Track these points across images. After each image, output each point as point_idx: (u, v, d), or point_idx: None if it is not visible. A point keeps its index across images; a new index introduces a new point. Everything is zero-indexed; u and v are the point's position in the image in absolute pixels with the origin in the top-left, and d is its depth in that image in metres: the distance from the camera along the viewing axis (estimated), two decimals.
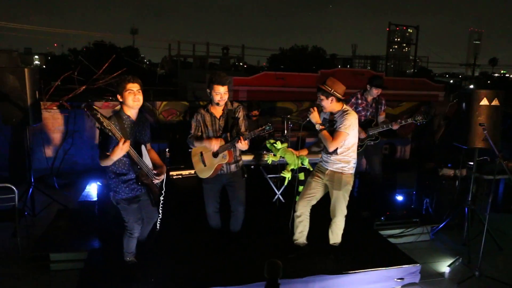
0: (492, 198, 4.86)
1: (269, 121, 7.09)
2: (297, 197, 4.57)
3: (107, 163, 3.54)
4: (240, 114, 4.37)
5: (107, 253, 4.58)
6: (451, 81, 64.18)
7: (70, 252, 4.69)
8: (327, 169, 4.43)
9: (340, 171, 4.37)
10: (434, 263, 5.06)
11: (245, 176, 4.51)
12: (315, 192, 4.51)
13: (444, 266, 4.93)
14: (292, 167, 4.51)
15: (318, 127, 4.29)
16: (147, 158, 3.84)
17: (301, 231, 4.60)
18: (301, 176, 4.49)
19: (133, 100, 3.64)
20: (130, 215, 3.88)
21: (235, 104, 4.41)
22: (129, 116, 3.71)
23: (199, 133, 4.36)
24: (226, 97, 4.20)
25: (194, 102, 9.53)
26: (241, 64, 49.38)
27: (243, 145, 4.12)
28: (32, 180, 5.93)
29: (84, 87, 8.05)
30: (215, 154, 4.26)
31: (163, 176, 3.96)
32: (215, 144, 4.17)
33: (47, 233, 5.12)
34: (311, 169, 4.54)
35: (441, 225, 5.71)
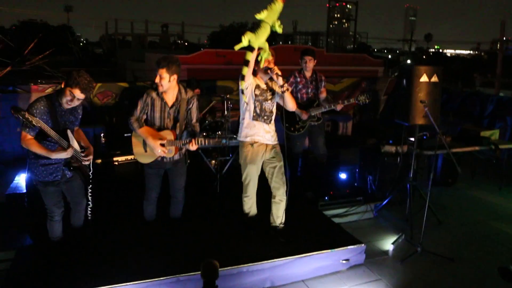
0: (432, 173, 4.91)
1: (210, 99, 6.86)
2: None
3: (35, 150, 3.54)
4: (194, 105, 4.18)
5: (38, 250, 4.24)
6: (389, 56, 65.93)
7: None
8: (268, 144, 4.33)
9: (276, 142, 4.40)
10: (378, 241, 5.07)
11: (188, 161, 4.36)
12: (258, 174, 4.42)
13: (388, 244, 4.95)
14: (256, 41, 3.84)
15: (284, 87, 4.09)
16: (74, 141, 3.78)
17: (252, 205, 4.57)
18: (249, 56, 3.95)
19: (67, 103, 3.61)
20: (48, 198, 3.84)
21: (190, 93, 4.19)
22: (61, 104, 3.64)
23: (144, 116, 4.11)
24: (164, 82, 3.97)
25: (134, 83, 9.08)
26: (181, 41, 48.43)
27: (193, 148, 3.98)
28: None
29: (8, 69, 7.42)
30: (161, 145, 4.03)
31: (91, 157, 3.93)
32: (161, 150, 4.00)
33: None
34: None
35: (384, 202, 5.74)
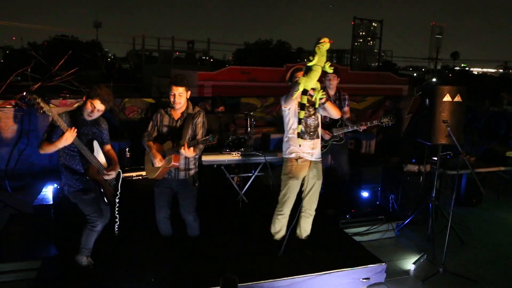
0: (455, 193, 4.86)
1: (232, 118, 6.95)
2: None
3: (47, 150, 3.64)
4: (199, 120, 4.19)
5: (63, 260, 4.33)
6: (415, 75, 65.39)
7: (22, 261, 4.40)
8: (311, 161, 4.36)
9: (319, 160, 4.43)
10: (399, 260, 5.03)
11: (196, 184, 4.35)
12: (297, 191, 4.45)
13: (409, 263, 4.91)
14: (307, 85, 3.88)
15: (324, 98, 4.12)
16: (100, 154, 3.93)
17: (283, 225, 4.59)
18: (304, 99, 4.02)
19: (88, 115, 3.78)
20: (89, 205, 3.90)
21: (196, 109, 4.25)
22: (81, 114, 3.81)
23: (155, 133, 4.23)
24: (181, 100, 4.07)
25: (160, 99, 9.23)
26: (207, 58, 49.11)
27: (187, 152, 3.95)
28: None
29: (39, 84, 7.68)
30: (163, 156, 4.10)
31: (114, 174, 4.01)
32: (158, 161, 4.05)
33: None
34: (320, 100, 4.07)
35: (406, 222, 5.70)
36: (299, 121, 4.10)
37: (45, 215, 5.33)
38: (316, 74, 3.86)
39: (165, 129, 4.18)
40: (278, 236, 4.57)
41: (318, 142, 4.40)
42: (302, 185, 4.48)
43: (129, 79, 33.41)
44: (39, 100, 3.39)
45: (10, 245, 4.70)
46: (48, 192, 6.09)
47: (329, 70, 3.91)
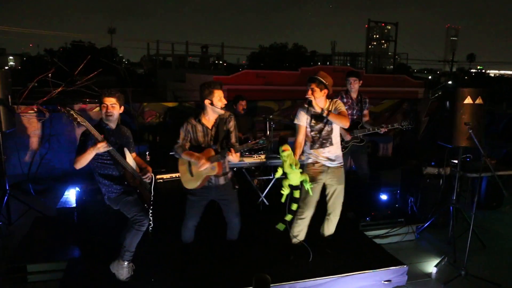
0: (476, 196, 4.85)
1: (252, 120, 7.02)
2: (288, 216, 4.37)
3: (82, 160, 3.72)
4: (231, 124, 4.17)
5: (87, 262, 4.43)
6: (430, 77, 64.88)
7: (48, 262, 4.50)
8: (330, 167, 4.44)
9: (340, 165, 4.50)
10: (420, 263, 5.02)
11: (237, 187, 4.31)
12: (318, 195, 4.49)
13: (431, 266, 4.90)
14: (291, 183, 4.22)
15: (324, 112, 4.22)
16: (131, 160, 4.09)
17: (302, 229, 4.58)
18: (297, 193, 4.27)
19: (107, 116, 3.93)
20: (134, 205, 3.98)
21: (227, 113, 4.19)
22: (107, 124, 3.99)
23: (187, 144, 4.13)
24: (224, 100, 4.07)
25: (181, 104, 9.28)
26: (220, 62, 49.31)
27: (234, 157, 3.92)
28: (7, 187, 5.71)
29: (59, 90, 7.80)
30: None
31: (150, 174, 4.19)
32: (204, 164, 3.93)
33: (24, 242, 4.92)
34: (310, 187, 4.26)
35: (426, 224, 5.68)
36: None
37: (68, 218, 5.42)
38: (294, 175, 4.16)
39: (200, 139, 4.10)
40: (296, 240, 4.57)
41: (333, 149, 4.42)
42: (325, 190, 4.54)
43: (144, 84, 33.63)
44: (72, 112, 3.56)
45: (36, 247, 4.80)
46: (70, 195, 6.17)
47: (307, 186, 4.20)
